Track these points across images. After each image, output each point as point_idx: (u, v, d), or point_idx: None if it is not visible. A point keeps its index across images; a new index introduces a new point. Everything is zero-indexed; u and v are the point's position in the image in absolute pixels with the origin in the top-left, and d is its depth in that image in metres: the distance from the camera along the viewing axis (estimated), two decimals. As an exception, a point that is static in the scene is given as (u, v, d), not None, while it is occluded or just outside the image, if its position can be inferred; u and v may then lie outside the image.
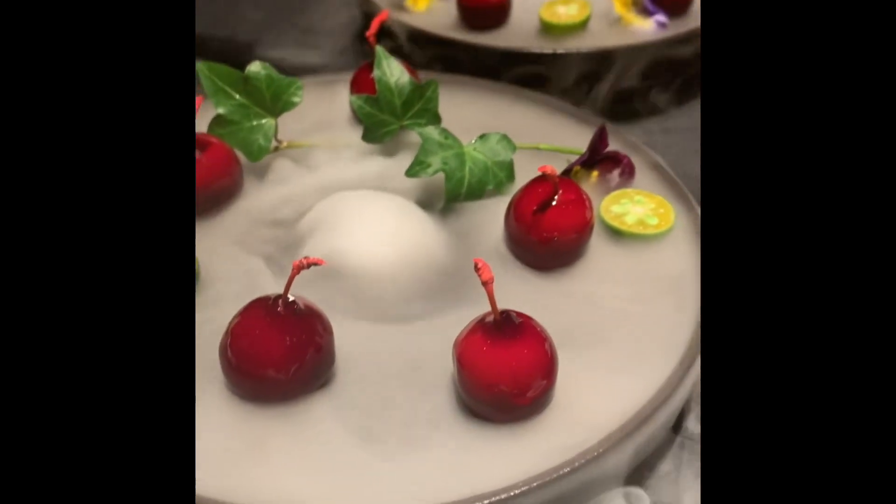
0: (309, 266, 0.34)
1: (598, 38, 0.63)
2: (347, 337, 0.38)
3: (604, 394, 0.37)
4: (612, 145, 0.50)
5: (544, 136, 0.53)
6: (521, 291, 0.42)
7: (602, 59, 0.62)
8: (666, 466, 0.41)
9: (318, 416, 0.36)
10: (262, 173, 0.49)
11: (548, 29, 0.64)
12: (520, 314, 0.35)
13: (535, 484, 0.32)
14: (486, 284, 0.34)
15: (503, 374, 0.34)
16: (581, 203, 0.42)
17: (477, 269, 0.33)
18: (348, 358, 0.38)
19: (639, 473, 0.38)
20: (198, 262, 0.42)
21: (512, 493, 0.32)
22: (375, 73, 0.48)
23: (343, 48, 0.74)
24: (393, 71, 0.49)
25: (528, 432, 0.35)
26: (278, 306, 0.35)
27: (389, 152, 0.51)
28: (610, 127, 0.52)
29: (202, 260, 0.42)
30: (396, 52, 0.67)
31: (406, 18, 0.66)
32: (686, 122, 0.65)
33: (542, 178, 0.42)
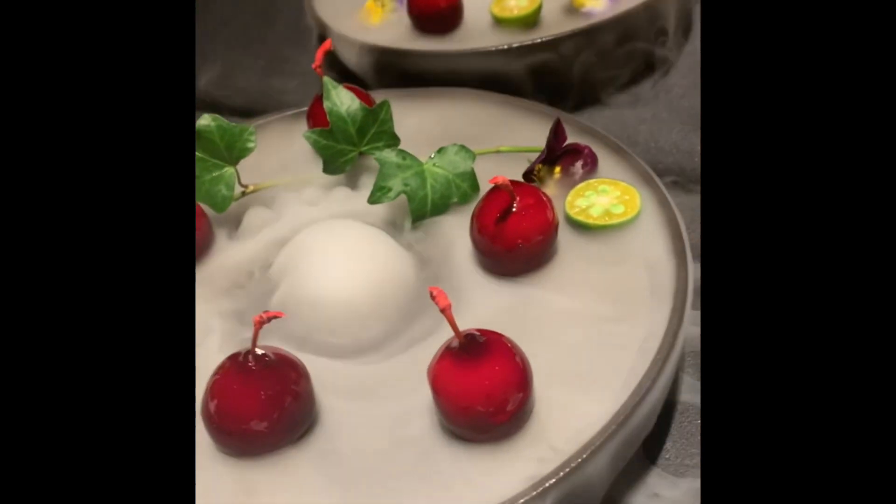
0: (269, 320, 0.34)
1: (552, 27, 0.63)
2: (329, 378, 0.39)
3: (586, 397, 0.36)
4: (572, 136, 0.49)
5: (507, 137, 0.53)
6: (494, 303, 0.42)
7: (559, 46, 0.61)
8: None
9: (304, 461, 0.36)
10: (231, 223, 0.49)
11: (501, 24, 0.64)
12: (484, 332, 0.35)
13: (521, 501, 0.33)
14: (444, 311, 0.34)
15: (477, 396, 0.34)
16: (541, 206, 0.42)
17: (433, 297, 0.34)
18: (331, 399, 0.38)
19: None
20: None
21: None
22: (326, 105, 0.49)
23: (305, 73, 0.74)
24: (343, 100, 0.49)
25: (515, 447, 0.35)
26: (249, 361, 0.36)
27: (353, 179, 0.51)
28: (567, 117, 0.51)
29: (180, 320, 0.43)
30: (355, 71, 0.67)
31: (360, 35, 0.66)
32: (655, 93, 0.65)
33: (498, 189, 0.42)
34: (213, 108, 0.72)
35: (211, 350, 0.42)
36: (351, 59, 0.67)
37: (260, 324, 0.35)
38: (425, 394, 0.37)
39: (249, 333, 0.42)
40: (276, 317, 0.34)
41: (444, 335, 0.37)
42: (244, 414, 0.35)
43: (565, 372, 0.38)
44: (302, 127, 0.56)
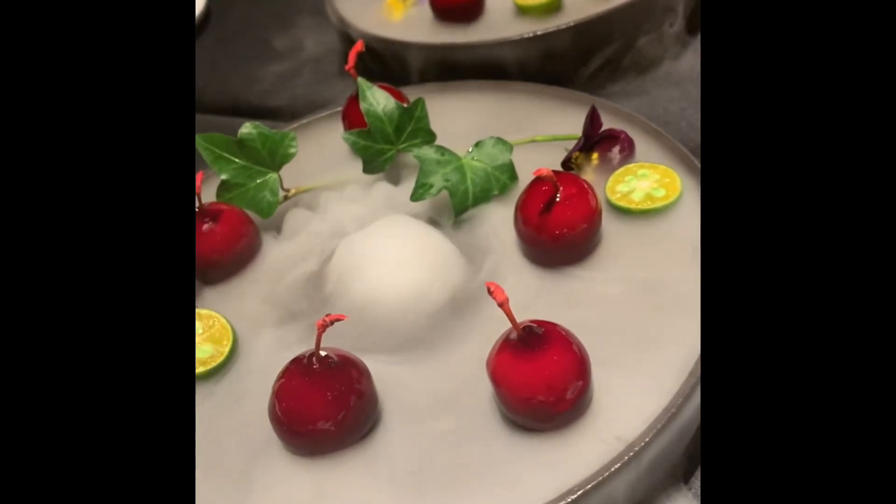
0: (332, 323, 0.35)
1: (575, 12, 0.63)
2: (389, 376, 0.40)
3: (642, 382, 0.37)
4: (606, 121, 0.50)
5: (540, 126, 0.53)
6: (542, 292, 0.42)
7: (584, 31, 0.61)
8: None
9: (371, 457, 0.37)
10: (277, 227, 0.50)
11: (524, 12, 0.64)
12: (541, 323, 0.36)
13: (589, 486, 0.33)
14: (503, 305, 0.34)
15: (538, 386, 0.35)
16: (584, 194, 0.43)
17: (490, 293, 0.34)
18: (392, 396, 0.39)
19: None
20: (233, 331, 0.43)
21: (570, 498, 0.33)
22: (362, 106, 0.49)
23: (330, 73, 0.75)
24: (378, 99, 0.49)
25: (577, 434, 0.36)
26: (313, 364, 0.37)
27: (393, 176, 0.52)
28: (601, 103, 0.52)
29: (236, 325, 0.44)
30: (382, 68, 0.68)
31: (384, 32, 0.67)
32: (685, 69, 0.65)
33: (541, 180, 0.42)
34: (237, 111, 0.73)
35: (264, 351, 0.43)
36: (378, 55, 0.68)
37: (323, 327, 0.36)
38: (484, 385, 0.38)
39: (301, 332, 0.43)
40: (338, 319, 0.35)
41: (494, 325, 0.38)
42: (311, 415, 0.37)
43: (619, 358, 0.38)
44: (336, 126, 0.57)
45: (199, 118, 0.69)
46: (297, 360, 0.37)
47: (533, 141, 0.52)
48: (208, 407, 0.41)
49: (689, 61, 0.65)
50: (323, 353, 0.37)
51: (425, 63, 0.65)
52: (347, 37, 0.70)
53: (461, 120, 0.55)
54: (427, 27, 0.67)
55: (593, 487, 0.33)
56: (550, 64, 0.62)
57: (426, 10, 0.68)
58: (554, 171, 0.42)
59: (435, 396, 0.39)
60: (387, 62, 0.67)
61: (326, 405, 0.36)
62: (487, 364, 0.36)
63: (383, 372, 0.40)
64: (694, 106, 0.61)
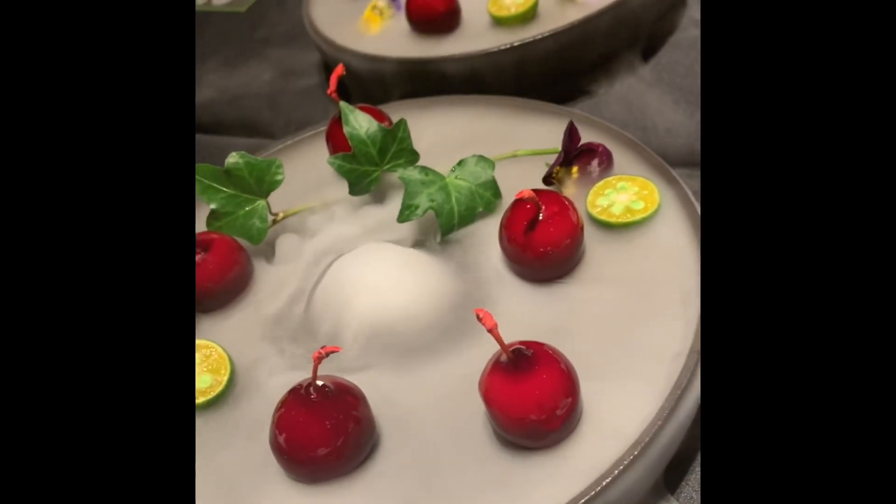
0: (328, 355, 0.37)
1: (551, 20, 0.64)
2: (385, 398, 0.41)
3: (631, 390, 0.39)
4: (585, 134, 0.51)
5: (521, 139, 0.54)
6: (529, 310, 0.44)
7: (560, 40, 0.62)
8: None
9: (372, 481, 0.38)
10: (268, 253, 0.51)
11: (499, 23, 0.65)
12: (529, 344, 0.37)
13: (584, 500, 0.35)
14: (492, 331, 0.36)
15: (529, 406, 0.36)
16: (566, 212, 0.44)
17: (479, 319, 0.36)
18: (390, 418, 0.41)
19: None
20: (230, 360, 0.44)
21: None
22: (346, 130, 0.50)
23: (311, 88, 0.75)
24: (361, 123, 0.50)
25: (568, 449, 0.37)
26: (311, 394, 0.38)
27: (380, 197, 0.53)
28: (579, 115, 0.53)
29: (233, 355, 0.45)
30: (365, 84, 0.68)
31: (361, 47, 0.67)
32: (657, 75, 0.66)
33: (523, 200, 0.43)
34: (219, 128, 0.74)
35: (262, 379, 0.44)
36: (355, 69, 0.69)
37: (319, 359, 0.37)
38: (479, 403, 0.39)
39: (298, 359, 0.44)
40: (333, 351, 0.36)
41: (486, 343, 0.39)
42: (311, 443, 0.38)
43: (606, 369, 0.40)
44: (320, 146, 0.58)
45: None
46: (294, 391, 0.39)
47: (514, 156, 0.53)
48: (208, 437, 0.42)
49: (665, 65, 0.66)
50: (320, 383, 0.38)
51: (403, 76, 0.65)
52: (324, 51, 0.71)
53: (442, 136, 0.56)
54: (404, 40, 0.68)
55: (590, 499, 0.35)
56: (528, 73, 0.63)
57: (403, 23, 0.69)
58: (535, 189, 0.43)
59: (432, 416, 0.40)
60: (364, 75, 0.68)
61: (326, 433, 0.37)
62: (480, 386, 0.38)
63: (379, 395, 0.41)
64: (669, 111, 0.62)
